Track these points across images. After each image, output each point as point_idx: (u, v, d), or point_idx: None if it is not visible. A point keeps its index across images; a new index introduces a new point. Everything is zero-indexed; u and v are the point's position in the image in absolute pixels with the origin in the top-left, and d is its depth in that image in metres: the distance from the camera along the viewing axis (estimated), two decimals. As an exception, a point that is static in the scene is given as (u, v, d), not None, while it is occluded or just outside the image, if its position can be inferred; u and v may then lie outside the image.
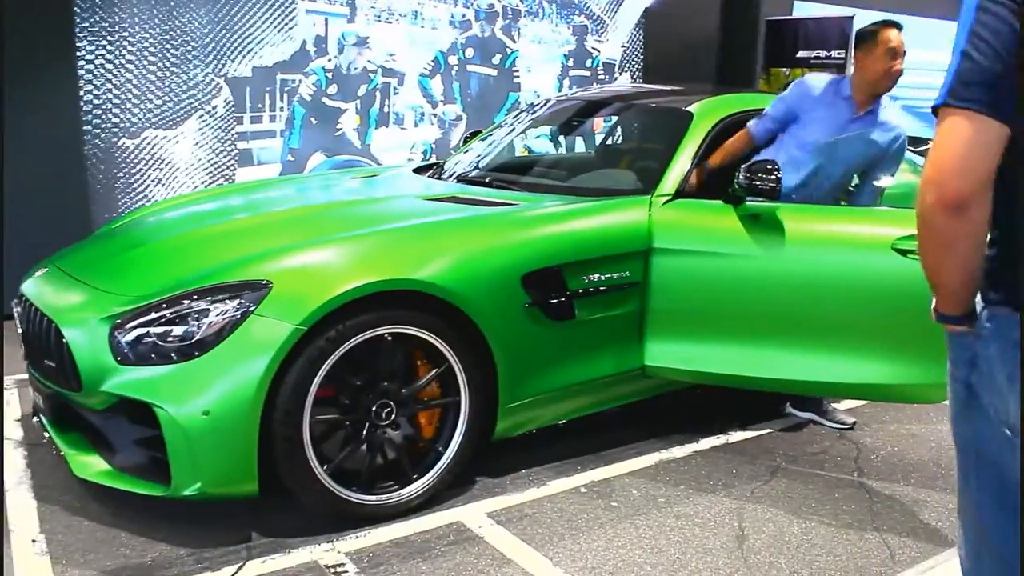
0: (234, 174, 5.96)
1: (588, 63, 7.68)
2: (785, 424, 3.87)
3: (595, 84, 7.59)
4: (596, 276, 3.28)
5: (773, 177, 3.19)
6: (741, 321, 3.36)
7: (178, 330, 2.73)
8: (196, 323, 2.72)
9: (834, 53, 7.31)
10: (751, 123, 3.74)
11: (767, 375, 3.36)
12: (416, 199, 3.74)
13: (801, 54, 7.64)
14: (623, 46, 7.85)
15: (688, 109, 3.88)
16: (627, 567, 2.73)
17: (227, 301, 2.74)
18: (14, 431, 3.64)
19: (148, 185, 5.69)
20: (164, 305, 2.78)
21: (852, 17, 7.32)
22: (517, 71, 7.21)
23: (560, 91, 7.44)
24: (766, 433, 3.78)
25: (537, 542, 2.84)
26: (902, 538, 2.93)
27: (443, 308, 2.94)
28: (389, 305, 2.86)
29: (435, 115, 6.86)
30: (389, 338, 2.87)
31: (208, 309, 2.74)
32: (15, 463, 3.37)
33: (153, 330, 2.74)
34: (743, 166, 3.28)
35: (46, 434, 3.09)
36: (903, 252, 3.13)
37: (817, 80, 3.67)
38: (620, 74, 7.84)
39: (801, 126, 3.60)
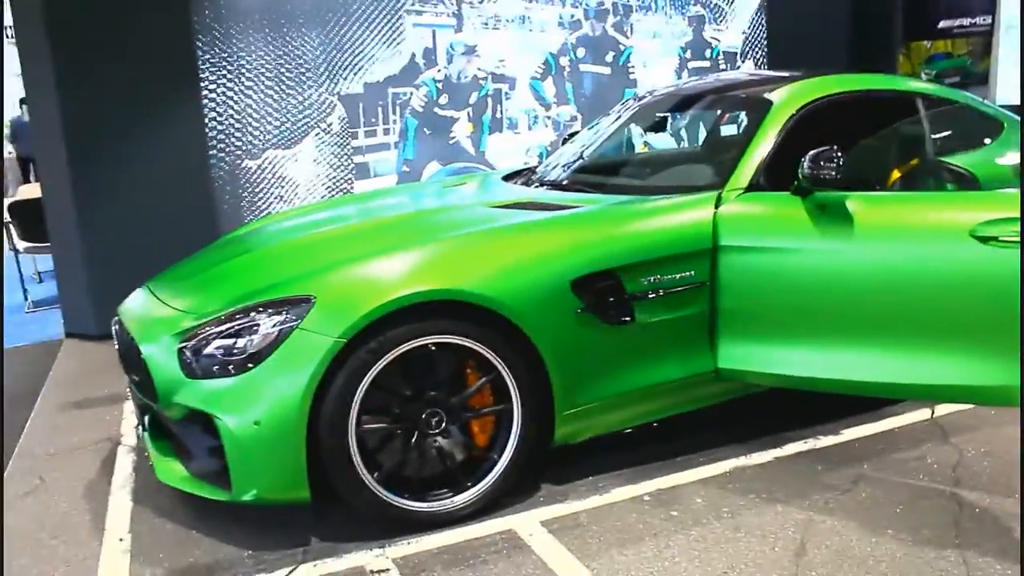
0: (352, 187, 6.21)
1: (707, 53, 7.46)
2: (882, 428, 3.60)
3: (711, 74, 7.34)
4: (656, 278, 3.18)
5: (833, 165, 2.99)
6: (814, 320, 3.15)
7: (236, 344, 2.87)
8: (250, 337, 2.86)
9: (979, 20, 6.71)
10: None
11: (848, 377, 3.14)
12: (483, 207, 3.75)
13: (943, 24, 7.07)
14: (744, 33, 7.56)
15: (767, 97, 3.69)
16: (670, 580, 2.63)
17: (276, 315, 2.87)
18: (128, 438, 3.96)
19: (271, 202, 6.03)
20: (222, 321, 2.94)
21: (999, -20, 6.71)
22: (632, 67, 7.10)
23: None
24: (860, 437, 3.53)
25: (583, 553, 2.79)
26: (985, 558, 2.66)
27: (488, 316, 2.94)
28: (431, 315, 2.89)
29: (549, 117, 6.87)
30: (433, 348, 2.90)
31: (259, 324, 2.87)
32: (123, 467, 3.67)
33: (214, 344, 2.91)
34: (808, 154, 3.09)
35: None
36: (983, 239, 2.84)
37: None
38: (743, 62, 7.56)
39: None
